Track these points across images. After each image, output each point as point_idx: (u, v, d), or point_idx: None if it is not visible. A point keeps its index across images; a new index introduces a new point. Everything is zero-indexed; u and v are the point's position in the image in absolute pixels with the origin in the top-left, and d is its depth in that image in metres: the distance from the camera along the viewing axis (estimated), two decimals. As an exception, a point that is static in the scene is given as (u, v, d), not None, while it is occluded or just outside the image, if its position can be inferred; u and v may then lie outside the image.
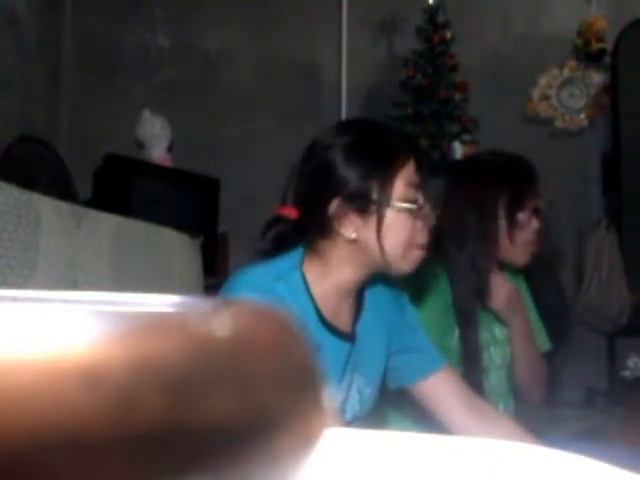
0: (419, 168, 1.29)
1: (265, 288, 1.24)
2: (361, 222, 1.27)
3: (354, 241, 1.28)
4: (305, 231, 1.33)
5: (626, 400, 2.77)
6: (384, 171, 1.26)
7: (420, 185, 1.28)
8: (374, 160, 1.27)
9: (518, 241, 1.72)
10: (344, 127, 1.36)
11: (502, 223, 1.71)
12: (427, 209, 1.29)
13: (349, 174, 1.27)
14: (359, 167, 1.27)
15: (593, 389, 3.39)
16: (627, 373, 2.88)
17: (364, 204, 1.26)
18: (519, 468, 0.42)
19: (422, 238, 1.29)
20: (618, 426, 2.49)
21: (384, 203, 1.25)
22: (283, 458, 0.20)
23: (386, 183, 1.26)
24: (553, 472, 0.41)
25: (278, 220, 1.38)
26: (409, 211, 1.27)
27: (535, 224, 1.73)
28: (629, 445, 1.90)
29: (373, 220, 1.26)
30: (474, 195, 1.73)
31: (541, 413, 2.37)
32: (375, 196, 1.26)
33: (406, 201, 1.27)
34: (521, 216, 1.71)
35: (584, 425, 2.60)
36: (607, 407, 3.06)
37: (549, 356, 1.96)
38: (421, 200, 1.28)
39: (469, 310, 1.70)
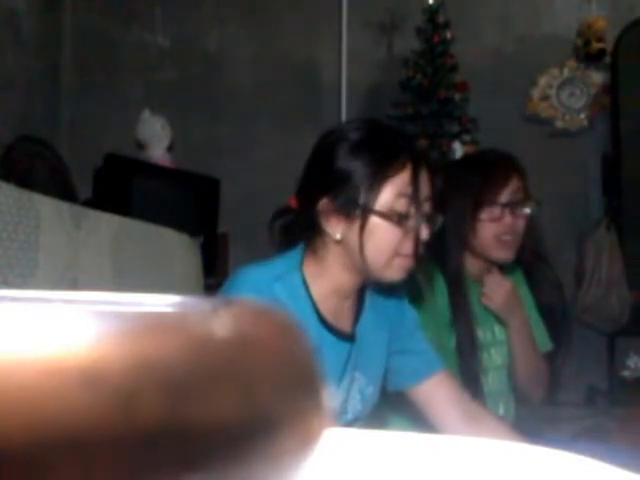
0: (415, 179, 1.24)
1: (262, 288, 1.23)
2: (346, 224, 1.25)
3: (340, 242, 1.27)
4: (299, 226, 1.33)
5: (626, 400, 2.77)
6: (373, 176, 1.23)
7: (413, 196, 1.24)
8: (367, 164, 1.24)
9: (485, 236, 1.71)
10: (352, 126, 1.33)
11: (467, 217, 1.71)
12: (415, 221, 1.25)
13: (341, 174, 1.25)
14: (352, 169, 1.25)
15: (593, 389, 3.39)
16: (627, 373, 2.88)
17: (350, 207, 1.24)
18: (519, 468, 0.42)
19: (407, 248, 1.25)
20: (618, 426, 2.49)
21: (368, 209, 1.23)
22: (283, 458, 0.20)
23: (373, 189, 1.23)
24: (553, 472, 0.41)
25: (286, 211, 1.37)
26: (393, 221, 1.24)
27: (508, 220, 1.71)
28: (629, 445, 1.90)
29: (357, 224, 1.24)
30: (446, 192, 1.75)
31: (541, 413, 2.37)
32: (361, 200, 1.23)
33: (393, 210, 1.23)
34: (486, 211, 1.71)
35: (584, 425, 2.60)
36: (607, 407, 3.06)
37: (549, 356, 1.96)
38: (412, 212, 1.25)
39: (462, 307, 1.71)
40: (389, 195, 1.23)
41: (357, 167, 1.25)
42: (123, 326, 0.18)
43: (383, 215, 1.23)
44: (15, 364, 0.17)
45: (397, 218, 1.23)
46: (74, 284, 1.30)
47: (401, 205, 1.24)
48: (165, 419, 0.18)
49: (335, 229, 1.26)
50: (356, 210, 1.24)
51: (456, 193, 1.73)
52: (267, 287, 1.24)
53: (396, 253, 1.25)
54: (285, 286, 1.26)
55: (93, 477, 0.17)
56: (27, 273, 1.18)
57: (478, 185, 1.71)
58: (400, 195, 1.24)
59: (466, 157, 1.98)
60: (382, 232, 1.24)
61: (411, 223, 1.25)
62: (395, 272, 1.27)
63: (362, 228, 1.23)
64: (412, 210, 1.24)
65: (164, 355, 0.18)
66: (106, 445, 0.17)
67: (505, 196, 1.71)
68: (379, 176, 1.23)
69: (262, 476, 0.20)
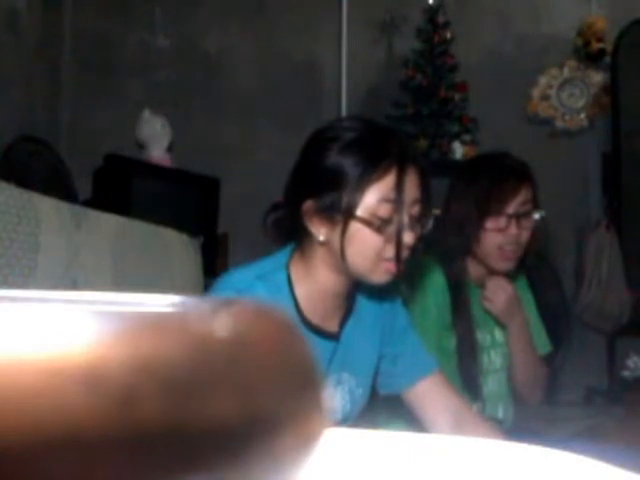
0: (399, 184, 1.21)
1: (242, 287, 1.23)
2: (329, 227, 1.24)
3: (324, 244, 1.26)
4: (288, 225, 1.32)
5: (626, 400, 2.77)
6: (356, 181, 1.21)
7: (397, 202, 1.21)
8: (351, 167, 1.22)
9: (488, 244, 1.67)
10: (341, 125, 1.31)
11: (471, 224, 1.67)
12: (398, 227, 1.22)
13: (326, 176, 1.23)
14: (336, 171, 1.22)
15: (593, 389, 3.39)
16: (627, 373, 2.88)
17: (333, 210, 1.22)
18: (519, 468, 0.42)
19: (390, 253, 1.22)
20: (618, 426, 2.49)
21: (350, 213, 1.21)
22: (283, 458, 0.20)
23: (356, 193, 1.21)
24: (553, 472, 0.41)
25: (279, 206, 1.36)
26: (373, 227, 1.21)
27: (514, 230, 1.66)
28: (629, 445, 1.89)
29: (340, 227, 1.22)
30: (451, 194, 1.72)
31: (541, 413, 2.37)
32: (344, 204, 1.21)
33: (375, 216, 1.21)
34: (491, 220, 1.66)
35: (584, 425, 2.60)
36: (607, 407, 3.06)
37: (549, 356, 1.96)
38: (395, 217, 1.21)
39: (463, 309, 1.70)
40: (372, 200, 1.21)
41: (342, 170, 1.22)
42: (123, 326, 0.18)
43: (364, 221, 1.21)
44: (15, 364, 0.17)
45: (379, 224, 1.21)
46: (74, 284, 1.30)
47: (384, 210, 1.21)
48: (165, 419, 0.18)
49: (319, 231, 1.25)
50: (338, 214, 1.22)
51: (462, 197, 1.69)
52: (248, 286, 1.23)
53: (379, 258, 1.23)
54: (267, 285, 1.26)
55: (93, 477, 0.17)
56: (27, 273, 1.18)
57: (486, 193, 1.66)
58: (383, 200, 1.21)
59: (475, 160, 1.91)
60: (363, 237, 1.22)
61: (393, 229, 1.22)
62: (380, 276, 1.25)
63: (343, 233, 1.22)
64: (395, 216, 1.22)
65: (164, 355, 0.18)
66: (106, 445, 0.17)
67: (513, 207, 1.66)
68: (362, 180, 1.21)
69: (262, 476, 0.20)
